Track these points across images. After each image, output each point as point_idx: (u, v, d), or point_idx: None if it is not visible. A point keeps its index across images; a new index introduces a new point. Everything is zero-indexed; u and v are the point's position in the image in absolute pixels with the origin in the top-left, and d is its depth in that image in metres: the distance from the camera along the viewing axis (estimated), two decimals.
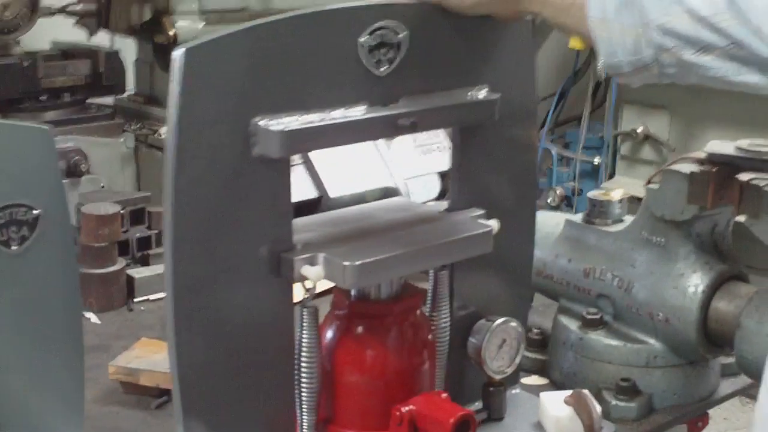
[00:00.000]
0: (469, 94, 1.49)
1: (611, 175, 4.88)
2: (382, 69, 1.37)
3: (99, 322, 2.09)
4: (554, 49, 5.47)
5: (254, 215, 1.30)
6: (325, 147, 1.36)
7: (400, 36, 1.38)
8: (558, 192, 4.83)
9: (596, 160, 4.92)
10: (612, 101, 4.84)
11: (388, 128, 1.39)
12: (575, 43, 4.82)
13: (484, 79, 1.50)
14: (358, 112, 1.36)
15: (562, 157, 5.11)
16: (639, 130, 4.63)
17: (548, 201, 4.76)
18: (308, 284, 1.34)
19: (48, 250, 1.28)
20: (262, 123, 1.26)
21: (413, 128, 1.38)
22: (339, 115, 1.34)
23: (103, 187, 3.42)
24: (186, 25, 3.66)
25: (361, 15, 1.34)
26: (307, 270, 1.32)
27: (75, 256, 1.35)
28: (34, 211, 1.25)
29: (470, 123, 1.52)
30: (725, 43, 1.27)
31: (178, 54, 1.18)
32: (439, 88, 1.45)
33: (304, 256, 1.33)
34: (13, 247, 1.24)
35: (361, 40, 1.34)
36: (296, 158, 2.33)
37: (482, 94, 1.50)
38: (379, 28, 1.35)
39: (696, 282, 1.71)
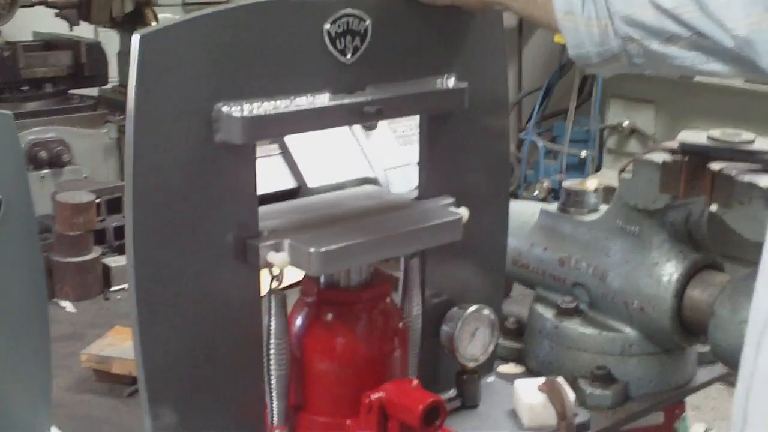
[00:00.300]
0: (437, 82, 1.49)
1: (598, 168, 4.89)
2: (347, 56, 1.37)
3: (74, 310, 2.09)
4: (540, 43, 5.48)
5: (218, 202, 1.29)
6: (289, 133, 1.36)
7: (366, 24, 1.37)
8: (545, 185, 4.84)
9: (583, 154, 4.93)
10: (598, 95, 4.86)
11: (354, 115, 1.38)
12: (561, 38, 4.82)
13: (452, 68, 1.50)
14: (322, 99, 1.35)
15: (549, 151, 5.12)
16: (625, 124, 4.64)
17: (535, 194, 4.77)
18: (275, 271, 1.33)
19: (10, 237, 1.27)
20: (224, 109, 1.25)
21: (379, 116, 1.38)
22: (303, 101, 1.33)
23: (86, 177, 3.41)
24: (169, 18, 3.66)
25: (325, 2, 1.33)
26: (272, 256, 1.31)
27: (39, 243, 1.34)
28: None
29: (438, 111, 1.52)
30: (689, 33, 1.27)
31: (135, 39, 1.17)
32: (406, 77, 1.45)
33: (270, 242, 1.32)
34: None
35: (326, 27, 1.33)
36: (275, 148, 2.33)
37: (450, 82, 1.50)
38: (344, 16, 1.34)
39: (670, 271, 1.70)
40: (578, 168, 4.96)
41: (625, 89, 4.64)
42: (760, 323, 1.07)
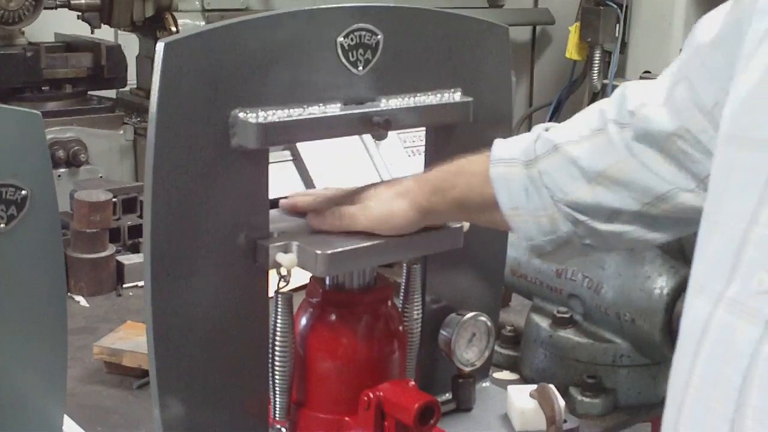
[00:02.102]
0: (444, 96, 1.55)
1: None
2: (359, 69, 1.43)
3: (87, 305, 2.16)
4: (552, 59, 5.53)
5: (232, 204, 1.35)
6: (301, 140, 1.42)
7: (378, 38, 1.44)
8: None
9: None
10: None
11: (363, 125, 1.44)
12: (572, 54, 4.88)
13: (458, 82, 1.56)
14: (334, 109, 1.41)
15: None
16: None
17: None
18: (283, 271, 1.39)
19: (34, 231, 1.31)
20: (241, 115, 1.32)
21: (387, 126, 1.44)
22: (316, 110, 1.39)
23: (101, 177, 3.49)
24: (188, 23, 3.74)
25: (339, 16, 1.40)
26: (281, 257, 1.38)
27: (61, 238, 1.39)
28: (23, 192, 1.29)
29: (443, 124, 1.58)
30: (631, 202, 1.28)
31: (159, 47, 1.24)
32: (414, 90, 1.51)
33: (278, 243, 1.38)
34: (1, 226, 1.28)
35: (340, 40, 1.40)
36: (287, 154, 2.40)
37: (456, 96, 1.56)
38: (356, 30, 1.41)
39: (661, 285, 1.76)
40: None
41: None
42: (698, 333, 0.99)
